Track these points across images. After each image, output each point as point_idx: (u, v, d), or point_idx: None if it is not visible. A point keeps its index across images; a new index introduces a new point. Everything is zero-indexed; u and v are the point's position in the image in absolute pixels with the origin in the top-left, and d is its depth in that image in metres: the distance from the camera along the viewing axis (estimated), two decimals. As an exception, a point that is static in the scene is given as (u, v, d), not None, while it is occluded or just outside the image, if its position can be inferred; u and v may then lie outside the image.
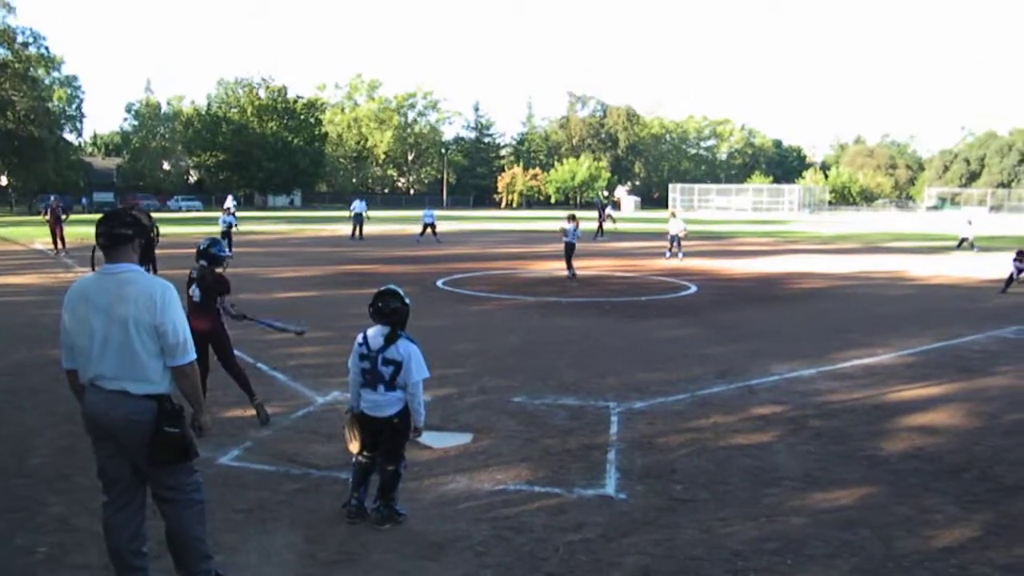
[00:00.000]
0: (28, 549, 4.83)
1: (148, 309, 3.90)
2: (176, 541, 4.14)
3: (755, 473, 6.30)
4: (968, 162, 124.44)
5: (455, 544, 4.99)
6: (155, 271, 3.80)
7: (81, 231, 36.29)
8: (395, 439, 5.27)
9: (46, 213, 27.38)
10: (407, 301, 5.22)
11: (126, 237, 4.02)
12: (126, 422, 3.92)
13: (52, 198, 29.04)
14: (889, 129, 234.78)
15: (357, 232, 35.81)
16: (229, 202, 29.77)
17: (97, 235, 4.04)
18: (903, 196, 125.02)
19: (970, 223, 32.78)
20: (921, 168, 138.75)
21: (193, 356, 4.04)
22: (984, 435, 7.38)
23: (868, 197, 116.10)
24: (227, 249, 7.67)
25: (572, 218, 20.46)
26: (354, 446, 5.34)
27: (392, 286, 5.31)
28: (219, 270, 7.40)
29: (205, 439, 6.88)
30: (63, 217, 26.76)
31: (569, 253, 20.09)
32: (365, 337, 5.24)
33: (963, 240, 32.20)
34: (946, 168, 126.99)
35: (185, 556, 4.14)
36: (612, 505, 5.66)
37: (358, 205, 37.23)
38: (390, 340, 5.12)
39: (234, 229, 27.16)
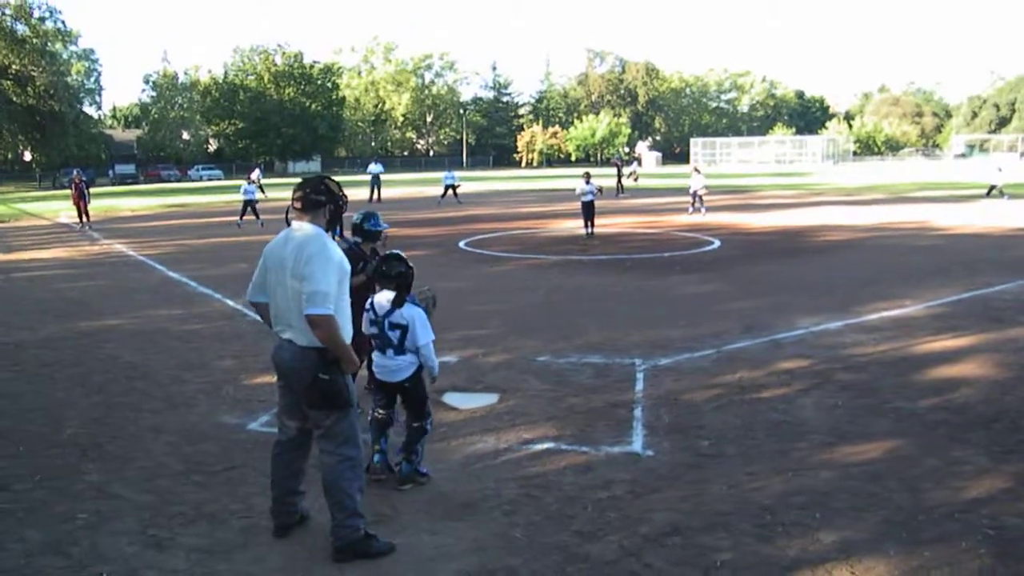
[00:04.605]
0: (68, 516, 4.92)
1: (300, 261, 4.20)
2: (327, 491, 4.44)
3: (782, 427, 6.29)
4: (998, 107, 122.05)
5: (484, 504, 5.04)
6: (341, 236, 4.37)
7: (105, 205, 36.65)
8: (414, 400, 5.34)
9: (70, 187, 27.54)
10: (411, 265, 5.27)
11: (319, 203, 4.37)
12: (290, 369, 4.35)
13: (75, 172, 29.12)
14: (915, 76, 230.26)
15: (376, 195, 35.70)
16: (255, 174, 29.89)
17: (294, 198, 4.38)
18: (930, 144, 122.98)
19: (1000, 170, 32.11)
20: (948, 115, 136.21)
21: (325, 311, 4.12)
22: (1014, 386, 7.29)
23: (894, 146, 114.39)
24: (381, 222, 6.94)
25: (587, 177, 20.31)
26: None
27: (396, 251, 5.38)
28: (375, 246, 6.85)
29: (240, 408, 7.02)
30: (87, 191, 26.86)
31: (588, 212, 20.02)
32: (372, 302, 5.30)
33: (992, 188, 31.62)
34: (975, 114, 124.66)
35: (333, 507, 4.42)
36: (639, 462, 5.68)
37: (375, 167, 37.13)
38: (396, 304, 5.17)
39: (259, 197, 26.97)
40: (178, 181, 76.97)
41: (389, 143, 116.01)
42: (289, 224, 4.43)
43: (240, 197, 26.23)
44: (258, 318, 4.73)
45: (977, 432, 6.10)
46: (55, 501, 5.17)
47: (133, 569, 4.29)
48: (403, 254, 5.32)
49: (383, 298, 5.25)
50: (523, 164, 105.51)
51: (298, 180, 4.67)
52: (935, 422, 6.34)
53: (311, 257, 4.16)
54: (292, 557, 4.42)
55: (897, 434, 6.10)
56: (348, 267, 4.38)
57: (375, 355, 5.31)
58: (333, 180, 4.56)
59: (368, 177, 37.18)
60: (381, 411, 5.42)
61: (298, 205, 4.36)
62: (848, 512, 4.80)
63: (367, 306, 5.31)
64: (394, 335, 5.17)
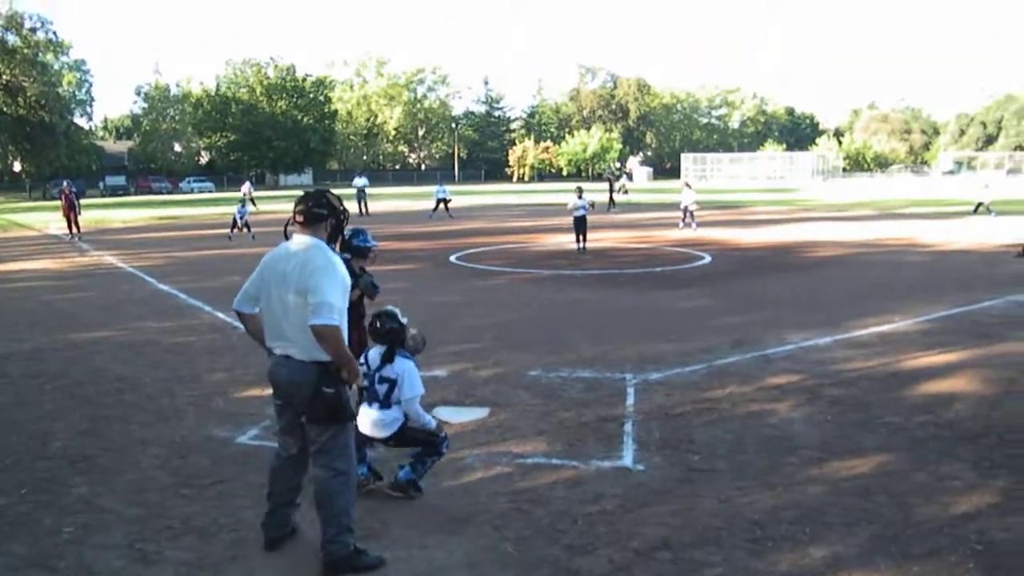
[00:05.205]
0: (54, 530, 4.89)
1: (304, 273, 4.18)
2: (319, 506, 4.43)
3: (772, 442, 6.29)
4: (985, 125, 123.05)
5: (474, 518, 5.02)
6: (342, 249, 4.36)
7: (96, 216, 36.52)
8: (411, 444, 5.33)
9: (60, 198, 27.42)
10: (403, 321, 5.28)
11: (321, 216, 4.36)
12: (291, 384, 4.31)
13: (65, 183, 28.99)
14: (904, 93, 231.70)
15: (364, 209, 35.60)
16: (245, 188, 29.49)
17: (295, 212, 4.36)
18: (918, 161, 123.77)
19: (987, 187, 32.39)
20: (936, 132, 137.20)
21: (332, 321, 4.08)
22: (1002, 401, 7.33)
23: (882, 163, 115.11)
24: (370, 239, 6.40)
25: (579, 191, 20.40)
26: None
27: (389, 307, 5.34)
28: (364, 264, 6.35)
29: (230, 422, 6.99)
30: (77, 202, 26.74)
31: (580, 226, 20.07)
32: (367, 356, 5.32)
33: (980, 204, 31.85)
34: (962, 132, 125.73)
35: (326, 522, 4.40)
36: (630, 476, 5.67)
37: (359, 180, 37.07)
38: (386, 359, 5.19)
39: (251, 211, 26.61)
40: (169, 193, 76.82)
41: (381, 156, 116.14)
42: (288, 238, 4.41)
43: (233, 212, 26.03)
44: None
45: (966, 447, 6.13)
46: (42, 514, 5.13)
47: (120, 583, 4.25)
48: (396, 310, 5.30)
49: (375, 352, 5.28)
50: (515, 178, 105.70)
51: (290, 193, 4.68)
52: (924, 437, 6.37)
53: (316, 270, 4.16)
54: (282, 571, 4.40)
55: (887, 449, 6.12)
56: (349, 281, 4.37)
57: (363, 407, 5.29)
58: (334, 194, 4.54)
59: (353, 191, 37.08)
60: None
61: (300, 219, 4.33)
62: (838, 527, 4.81)
63: (362, 360, 5.26)
64: (381, 388, 5.18)
